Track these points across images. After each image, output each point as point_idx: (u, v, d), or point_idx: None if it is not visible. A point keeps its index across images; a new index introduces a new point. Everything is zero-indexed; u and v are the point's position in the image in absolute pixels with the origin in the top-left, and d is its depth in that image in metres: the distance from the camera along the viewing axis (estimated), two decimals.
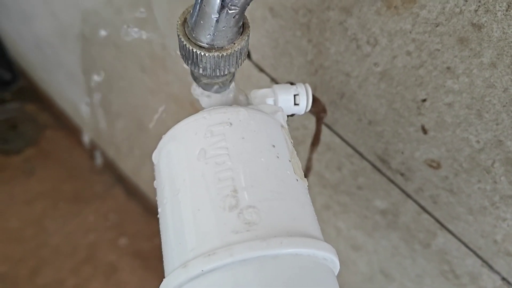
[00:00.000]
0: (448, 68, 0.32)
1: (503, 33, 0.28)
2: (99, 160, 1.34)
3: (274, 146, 0.26)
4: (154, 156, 0.28)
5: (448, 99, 0.34)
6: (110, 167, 1.34)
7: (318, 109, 0.36)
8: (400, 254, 0.51)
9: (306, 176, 0.50)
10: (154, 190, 0.27)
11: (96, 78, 0.92)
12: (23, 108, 1.43)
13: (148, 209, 1.28)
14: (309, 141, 0.50)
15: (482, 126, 0.33)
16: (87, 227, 1.30)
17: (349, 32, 0.36)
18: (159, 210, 0.26)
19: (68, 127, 1.38)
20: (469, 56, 0.30)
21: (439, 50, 0.32)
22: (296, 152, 0.29)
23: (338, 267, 0.26)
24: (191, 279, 0.22)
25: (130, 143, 1.05)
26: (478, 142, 0.34)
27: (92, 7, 0.71)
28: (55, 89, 1.29)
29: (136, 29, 0.59)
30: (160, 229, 0.26)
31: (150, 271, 1.23)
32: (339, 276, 0.68)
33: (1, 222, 1.28)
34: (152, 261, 1.24)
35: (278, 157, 0.26)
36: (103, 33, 0.74)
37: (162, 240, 0.25)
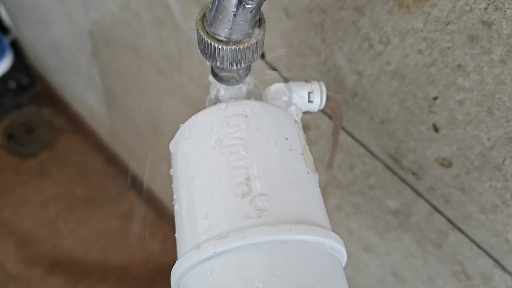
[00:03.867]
0: (459, 65, 0.33)
1: None
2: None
3: (287, 139, 0.27)
4: (172, 145, 0.29)
5: (459, 96, 0.34)
6: (124, 171, 1.35)
7: (333, 106, 0.37)
8: (412, 255, 0.51)
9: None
10: (170, 178, 0.28)
11: (112, 81, 0.94)
12: (40, 112, 1.46)
13: (161, 214, 1.29)
14: (322, 141, 0.51)
15: (493, 123, 0.34)
16: (100, 230, 1.31)
17: (362, 31, 0.37)
18: (174, 196, 0.27)
19: (83, 131, 1.41)
20: (479, 54, 0.31)
21: (450, 48, 0.32)
22: (308, 147, 0.30)
23: (345, 258, 0.26)
24: (204, 260, 0.23)
25: (145, 147, 1.07)
26: (489, 139, 0.35)
27: (108, 10, 0.73)
28: (72, 93, 1.31)
29: None
30: (175, 215, 0.27)
31: (163, 275, 1.24)
32: (350, 279, 0.68)
33: (16, 224, 1.30)
34: (164, 265, 1.25)
35: (290, 149, 0.27)
36: (119, 36, 0.76)
37: (176, 225, 0.26)
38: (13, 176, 1.37)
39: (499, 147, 0.34)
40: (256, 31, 0.26)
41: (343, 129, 0.46)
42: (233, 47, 0.25)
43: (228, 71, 0.28)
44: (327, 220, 0.26)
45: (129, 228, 1.31)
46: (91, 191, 1.37)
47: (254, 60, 0.27)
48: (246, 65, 0.27)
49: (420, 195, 0.44)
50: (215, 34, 0.26)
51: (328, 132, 0.49)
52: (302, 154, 0.27)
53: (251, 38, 0.26)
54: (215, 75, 0.29)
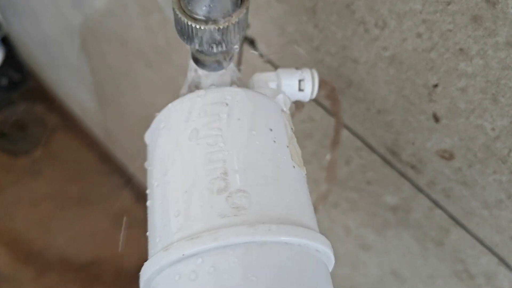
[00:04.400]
0: (461, 49, 0.30)
1: None
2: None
3: (271, 130, 0.25)
4: (147, 136, 0.27)
5: (461, 83, 0.32)
6: (118, 169, 1.33)
7: (328, 93, 0.35)
8: (411, 254, 0.49)
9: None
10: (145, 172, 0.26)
11: (103, 76, 0.92)
12: (32, 109, 1.43)
13: None
14: (317, 134, 0.48)
15: (498, 112, 0.31)
16: (94, 229, 1.29)
17: (357, 15, 0.35)
18: (147, 191, 0.25)
19: (76, 128, 1.38)
20: (483, 36, 0.29)
21: (451, 30, 0.30)
22: (296, 139, 0.28)
23: (333, 261, 0.24)
24: (173, 263, 0.21)
25: (138, 143, 1.04)
26: (493, 129, 0.32)
27: (96, 2, 0.70)
28: (64, 89, 1.28)
29: None
30: (147, 213, 0.25)
31: None
32: (348, 279, 0.66)
33: (8, 223, 1.27)
34: None
35: (275, 141, 0.24)
36: (108, 28, 0.73)
37: (148, 223, 0.24)
38: (5, 174, 1.34)
39: (504, 137, 0.32)
40: (237, 9, 0.23)
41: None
42: (212, 27, 0.23)
43: (209, 55, 0.26)
44: (313, 220, 0.24)
45: (122, 226, 1.29)
46: (84, 189, 1.34)
47: (236, 42, 0.25)
48: (227, 47, 0.24)
49: (419, 189, 0.42)
50: (192, 13, 0.23)
51: (324, 125, 0.46)
52: (287, 146, 0.25)
53: (232, 17, 0.23)
54: (195, 60, 0.27)
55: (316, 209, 0.25)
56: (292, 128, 0.28)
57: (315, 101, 0.45)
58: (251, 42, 0.46)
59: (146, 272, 0.22)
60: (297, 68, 0.32)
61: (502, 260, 0.39)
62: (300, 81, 0.31)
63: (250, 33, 0.46)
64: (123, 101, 0.93)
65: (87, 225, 1.30)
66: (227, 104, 0.24)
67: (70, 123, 1.40)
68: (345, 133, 0.44)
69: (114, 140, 1.21)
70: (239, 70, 0.29)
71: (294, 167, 0.24)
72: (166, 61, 0.66)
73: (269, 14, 0.42)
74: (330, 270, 0.24)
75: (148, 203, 0.24)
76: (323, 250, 0.22)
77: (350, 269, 0.62)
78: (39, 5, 0.94)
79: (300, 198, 0.23)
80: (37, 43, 1.15)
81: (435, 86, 0.34)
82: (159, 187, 0.24)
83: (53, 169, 1.36)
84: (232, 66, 0.28)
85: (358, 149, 0.44)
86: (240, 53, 0.49)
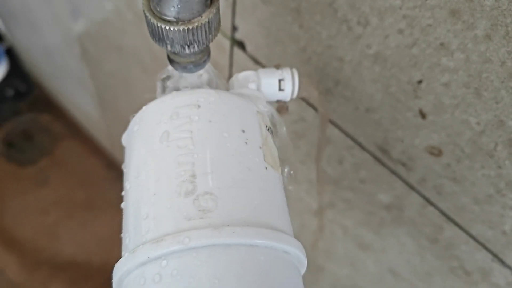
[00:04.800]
0: (442, 44, 0.30)
1: (496, 0, 0.26)
2: None
3: (244, 131, 0.25)
4: (123, 138, 0.27)
5: (444, 78, 0.32)
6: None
7: (308, 93, 0.35)
8: (407, 252, 0.49)
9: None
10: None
11: (103, 83, 0.92)
12: (38, 118, 1.45)
13: None
14: (309, 134, 0.48)
15: (482, 106, 0.31)
16: (101, 235, 1.30)
17: (339, 13, 0.35)
18: (122, 193, 0.25)
19: (81, 136, 1.39)
20: (462, 30, 0.28)
21: (431, 25, 0.30)
22: (271, 139, 0.28)
23: (305, 263, 0.24)
24: (139, 265, 0.21)
25: None
26: (478, 123, 0.32)
27: (93, 10, 0.71)
28: (68, 98, 1.30)
29: None
30: (122, 214, 0.25)
31: None
32: (348, 278, 0.65)
33: (16, 231, 1.29)
34: None
35: (246, 143, 0.24)
36: (105, 36, 0.74)
37: (122, 225, 0.24)
38: (13, 183, 1.36)
39: (490, 131, 0.32)
40: (207, 9, 0.24)
41: (329, 120, 0.44)
42: (181, 27, 0.23)
43: (183, 56, 0.26)
44: (284, 221, 0.24)
45: None
46: (91, 195, 1.35)
47: (209, 42, 0.25)
48: (200, 47, 0.24)
49: (411, 187, 0.42)
50: (161, 14, 0.23)
51: (315, 125, 0.46)
52: (260, 148, 0.25)
53: (201, 17, 0.23)
54: (171, 61, 0.27)
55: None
56: (269, 128, 0.28)
57: (306, 101, 0.45)
58: (241, 45, 0.47)
59: (116, 274, 0.22)
60: (277, 68, 0.32)
61: (495, 256, 0.39)
62: (280, 80, 0.31)
63: (239, 36, 0.46)
64: (122, 107, 0.94)
65: (94, 231, 1.31)
66: (199, 106, 0.24)
67: (75, 131, 1.41)
68: (336, 132, 0.44)
69: (118, 146, 1.22)
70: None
71: (266, 168, 0.24)
72: (162, 66, 0.66)
73: (256, 16, 0.42)
74: (302, 273, 0.23)
75: (122, 205, 0.25)
76: (293, 252, 0.22)
77: (350, 268, 0.61)
78: (40, 16, 0.95)
79: (271, 200, 0.23)
80: (40, 53, 1.17)
81: (419, 82, 0.33)
82: (131, 189, 0.24)
83: (60, 177, 1.37)
84: (209, 66, 0.28)
85: (350, 148, 0.44)
86: (231, 56, 0.49)
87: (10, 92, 1.42)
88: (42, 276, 1.24)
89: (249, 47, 0.46)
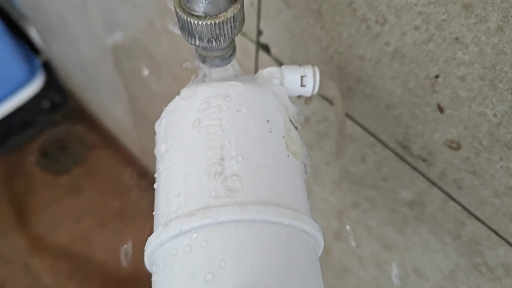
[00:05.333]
0: (457, 38, 0.31)
1: None
2: None
3: (268, 121, 0.27)
4: (157, 125, 0.29)
5: (460, 72, 0.33)
6: None
7: (329, 92, 0.36)
8: (431, 249, 0.49)
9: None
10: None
11: (135, 92, 0.95)
12: (73, 129, 1.50)
13: None
14: (332, 133, 0.50)
15: (497, 97, 0.32)
16: (133, 243, 1.32)
17: (358, 13, 0.36)
18: (155, 175, 0.27)
19: (114, 146, 1.43)
20: (475, 23, 0.30)
21: (445, 20, 0.31)
22: (296, 131, 0.30)
23: (322, 244, 0.26)
24: (171, 238, 0.23)
25: None
26: (495, 115, 0.33)
27: (125, 20, 0.74)
28: (101, 108, 1.34)
29: None
30: (154, 194, 0.27)
31: None
32: (374, 280, 0.66)
33: (51, 238, 1.33)
34: None
35: (270, 132, 0.27)
36: (137, 45, 0.77)
37: (154, 204, 0.26)
38: (48, 192, 1.41)
39: (506, 123, 0.33)
40: (232, 5, 0.26)
41: (351, 118, 0.45)
42: (209, 22, 0.25)
43: (210, 50, 0.28)
44: (303, 204, 0.26)
45: None
46: (123, 204, 1.39)
47: (234, 36, 0.27)
48: (226, 42, 0.27)
49: (432, 182, 0.42)
50: (191, 10, 0.26)
51: None
52: (283, 137, 0.27)
53: (227, 12, 0.26)
54: (200, 57, 0.29)
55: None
56: (293, 121, 0.30)
57: (329, 101, 0.46)
58: (266, 48, 0.49)
59: (149, 246, 0.24)
60: (300, 65, 0.34)
61: None
62: (302, 77, 0.33)
63: (263, 39, 0.48)
64: (155, 116, 0.97)
65: (126, 240, 1.34)
66: (227, 97, 0.27)
67: (108, 140, 1.45)
68: (358, 130, 0.45)
69: (150, 156, 1.25)
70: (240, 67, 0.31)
71: (288, 156, 0.26)
72: (192, 74, 0.69)
73: (280, 19, 0.44)
74: (319, 253, 0.25)
75: (155, 185, 0.27)
76: (310, 232, 0.24)
77: (375, 270, 0.62)
78: (75, 28, 0.99)
79: (291, 184, 0.26)
80: (75, 65, 1.21)
81: (436, 77, 0.35)
82: (164, 170, 0.26)
83: (93, 186, 1.41)
84: (235, 63, 0.30)
85: (372, 145, 0.46)
86: (256, 59, 0.51)
87: (46, 104, 1.48)
88: (75, 282, 1.27)
89: (273, 50, 0.48)
